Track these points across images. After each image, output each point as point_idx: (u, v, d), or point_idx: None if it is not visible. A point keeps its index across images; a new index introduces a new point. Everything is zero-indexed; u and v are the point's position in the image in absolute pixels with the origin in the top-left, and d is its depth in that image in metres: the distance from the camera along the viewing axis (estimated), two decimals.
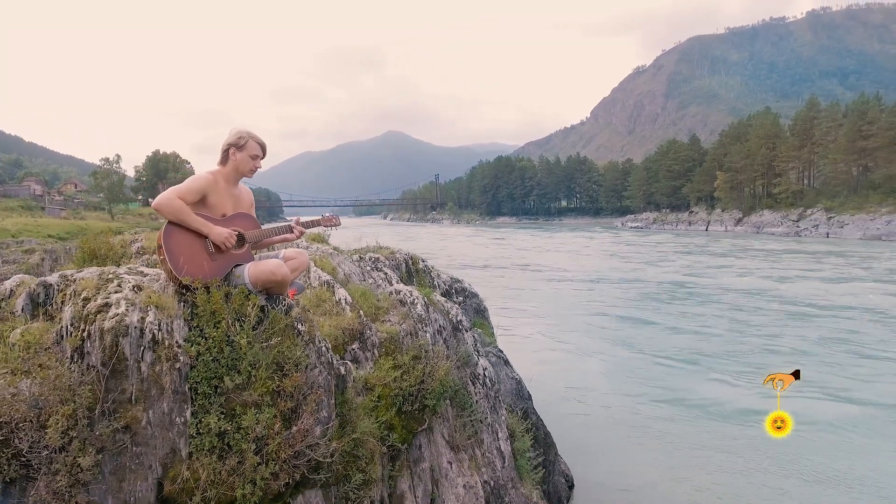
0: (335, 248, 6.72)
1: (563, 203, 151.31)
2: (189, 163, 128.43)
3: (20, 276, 3.26)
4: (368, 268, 6.02)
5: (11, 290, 3.02)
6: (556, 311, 19.10)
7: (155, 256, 5.76)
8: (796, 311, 18.03)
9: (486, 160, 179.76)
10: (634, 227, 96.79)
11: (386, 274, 5.62)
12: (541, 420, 6.24)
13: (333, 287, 4.35)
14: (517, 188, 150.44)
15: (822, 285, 23.63)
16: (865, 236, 57.74)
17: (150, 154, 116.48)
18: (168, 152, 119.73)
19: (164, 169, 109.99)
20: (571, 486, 7.45)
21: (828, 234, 63.12)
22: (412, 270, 6.38)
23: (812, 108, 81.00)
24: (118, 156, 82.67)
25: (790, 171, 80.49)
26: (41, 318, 2.86)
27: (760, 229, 73.82)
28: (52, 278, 3.06)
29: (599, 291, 23.73)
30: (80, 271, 3.16)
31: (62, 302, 2.93)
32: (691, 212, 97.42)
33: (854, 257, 36.47)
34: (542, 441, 5.60)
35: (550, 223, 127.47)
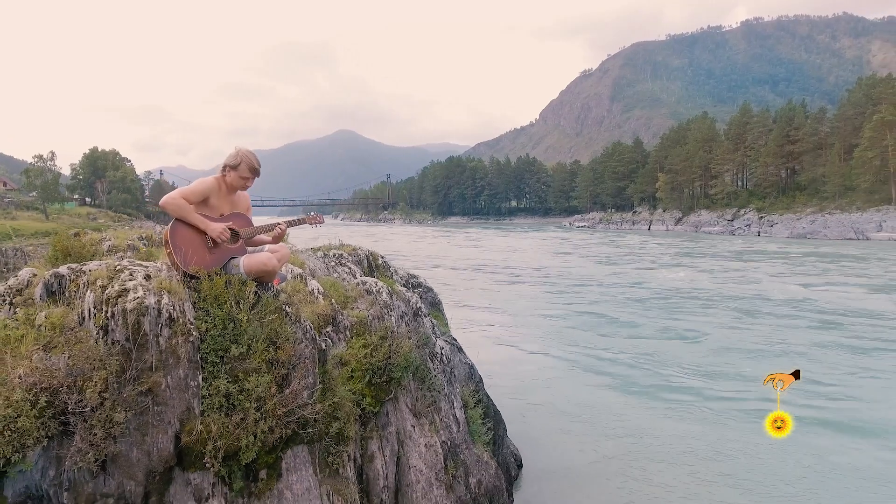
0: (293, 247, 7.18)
1: (514, 203, 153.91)
2: (129, 160, 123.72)
3: (30, 268, 3.64)
4: (333, 263, 6.53)
5: (29, 281, 3.43)
6: (507, 307, 19.96)
7: (121, 254, 6.12)
8: (733, 305, 19.54)
9: (437, 160, 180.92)
10: (581, 227, 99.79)
11: (350, 268, 6.16)
12: (491, 400, 6.91)
13: (306, 279, 4.88)
14: (468, 188, 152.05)
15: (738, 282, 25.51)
16: (792, 234, 61.75)
17: (88, 151, 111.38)
18: (107, 150, 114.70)
19: (102, 167, 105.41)
20: (520, 466, 8.16)
21: (759, 232, 67.09)
22: (373, 266, 6.94)
23: (745, 114, 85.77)
24: (52, 153, 78.81)
25: (725, 173, 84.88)
26: (58, 303, 3.29)
27: (698, 228, 77.63)
28: (63, 270, 3.48)
29: (549, 289, 24.79)
30: (87, 264, 3.59)
31: (75, 290, 3.37)
32: (635, 212, 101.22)
33: (773, 256, 39.17)
34: (493, 417, 6.27)
35: (501, 223, 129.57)
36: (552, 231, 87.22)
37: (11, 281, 3.42)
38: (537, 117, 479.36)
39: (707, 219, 79.70)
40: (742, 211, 76.13)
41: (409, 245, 56.76)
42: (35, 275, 3.51)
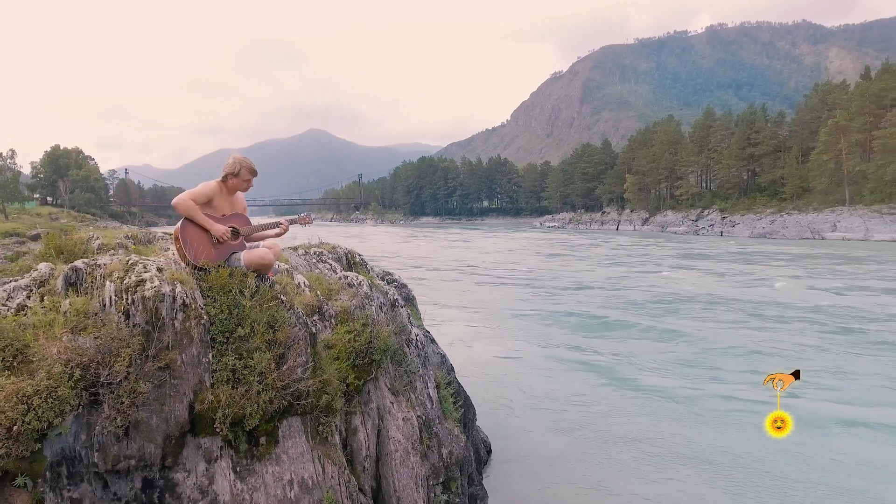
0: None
1: (485, 203, 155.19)
2: (93, 159, 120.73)
3: (47, 263, 4.05)
4: (314, 261, 7.00)
5: (50, 273, 3.84)
6: (478, 305, 20.59)
7: (112, 251, 6.51)
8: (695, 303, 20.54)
9: (409, 160, 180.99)
10: (552, 227, 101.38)
11: (331, 265, 6.63)
12: (461, 387, 7.47)
13: (293, 273, 5.35)
14: (440, 188, 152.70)
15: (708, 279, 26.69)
16: (753, 234, 64.08)
17: (49, 149, 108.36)
18: (70, 148, 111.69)
19: (64, 165, 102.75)
20: (489, 452, 8.72)
21: (721, 232, 69.37)
22: (351, 263, 7.42)
23: (708, 118, 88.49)
24: (13, 150, 76.66)
25: (690, 175, 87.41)
26: (78, 293, 3.72)
27: (665, 228, 79.79)
28: (80, 264, 3.90)
29: (520, 287, 25.53)
30: (100, 258, 4.02)
31: (91, 281, 3.81)
32: (604, 212, 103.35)
33: (736, 254, 40.79)
34: (463, 402, 6.83)
35: (473, 223, 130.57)
36: (524, 231, 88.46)
37: (35, 274, 3.82)
38: (509, 118, 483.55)
39: (673, 219, 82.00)
40: (706, 212, 78.59)
41: (384, 245, 57.04)
42: (53, 269, 3.92)
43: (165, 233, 7.41)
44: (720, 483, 7.32)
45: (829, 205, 62.43)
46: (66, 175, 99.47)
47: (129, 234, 7.37)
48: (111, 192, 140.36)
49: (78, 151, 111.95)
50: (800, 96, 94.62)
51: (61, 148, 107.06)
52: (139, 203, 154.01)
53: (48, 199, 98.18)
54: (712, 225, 73.24)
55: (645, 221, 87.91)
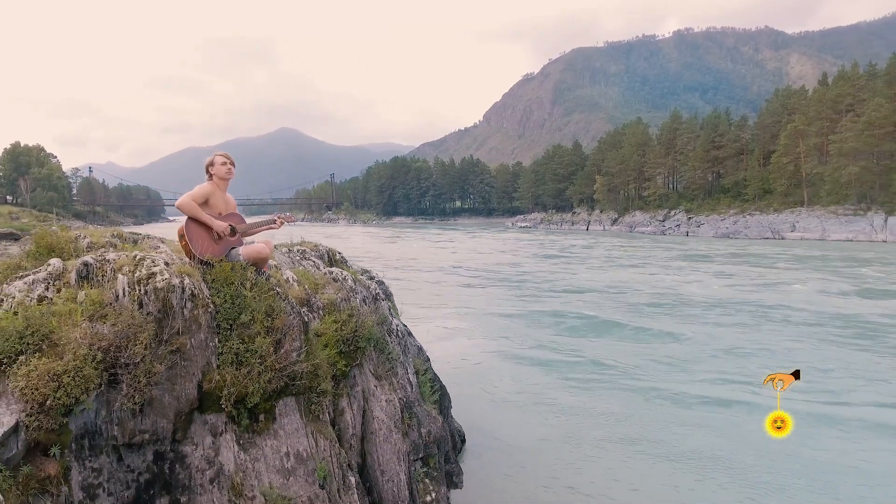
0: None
1: (458, 203, 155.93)
2: (55, 157, 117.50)
3: (58, 259, 4.38)
4: (298, 258, 7.40)
5: (64, 268, 4.18)
6: (453, 303, 21.10)
7: (103, 249, 6.82)
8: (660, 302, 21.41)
9: (382, 160, 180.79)
10: (524, 227, 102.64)
11: (314, 262, 7.04)
12: (437, 376, 7.94)
13: (281, 269, 5.76)
14: (413, 189, 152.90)
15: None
16: (717, 234, 66.13)
17: (9, 147, 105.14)
18: (31, 145, 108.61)
19: (25, 163, 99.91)
20: (463, 441, 9.20)
21: (687, 232, 71.36)
22: (333, 261, 7.83)
23: (675, 121, 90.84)
24: None
25: (658, 176, 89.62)
26: (90, 286, 4.08)
27: (633, 228, 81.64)
28: (89, 259, 4.26)
29: (495, 285, 26.14)
30: (108, 254, 4.38)
31: (101, 275, 4.17)
32: (574, 212, 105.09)
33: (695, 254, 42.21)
34: (439, 389, 7.31)
35: (446, 223, 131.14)
36: (496, 231, 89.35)
37: (50, 269, 4.15)
38: (481, 119, 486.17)
39: (641, 219, 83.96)
40: (672, 212, 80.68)
41: (367, 245, 57.14)
42: (65, 264, 4.26)
43: (147, 234, 7.67)
44: (686, 475, 7.80)
45: (788, 206, 64.87)
46: (27, 173, 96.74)
47: (116, 234, 7.67)
48: (74, 190, 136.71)
49: (40, 149, 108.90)
50: (762, 100, 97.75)
51: (21, 145, 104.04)
52: (104, 202, 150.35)
53: (8, 198, 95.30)
54: (679, 225, 75.28)
55: (614, 222, 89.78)
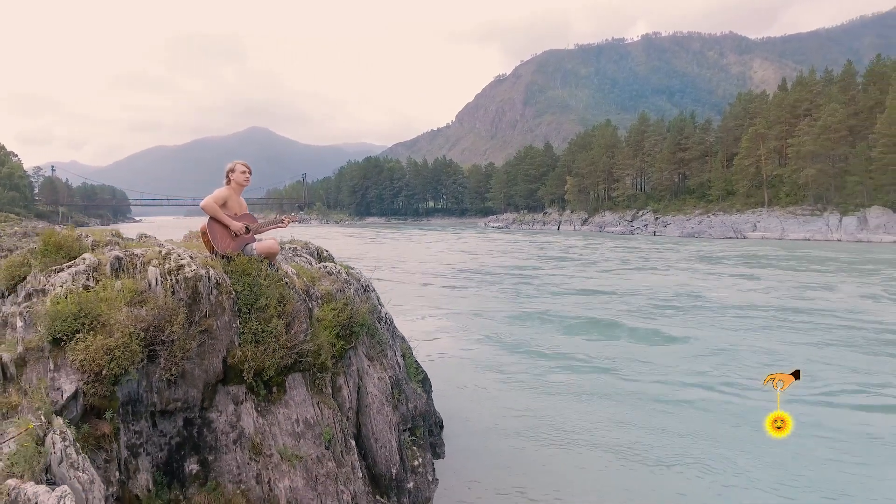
0: None
1: (431, 204, 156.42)
2: (17, 155, 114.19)
3: (90, 254, 4.97)
4: (290, 255, 8.03)
5: (98, 261, 4.78)
6: (431, 301, 21.81)
7: (108, 247, 7.35)
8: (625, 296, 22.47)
9: (354, 160, 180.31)
10: (496, 227, 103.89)
11: (307, 258, 7.69)
12: (419, 363, 8.66)
13: (281, 264, 6.41)
14: (386, 189, 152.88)
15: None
16: (682, 234, 68.28)
17: None
18: None
19: None
20: (441, 427, 9.90)
21: (655, 232, 73.44)
22: (322, 257, 8.48)
23: (643, 123, 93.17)
24: None
25: (626, 177, 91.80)
26: (123, 276, 4.69)
27: (603, 228, 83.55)
28: (120, 253, 4.86)
29: (468, 283, 26.93)
30: (136, 248, 4.99)
31: (132, 267, 4.78)
32: (546, 213, 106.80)
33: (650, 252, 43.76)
34: (422, 373, 8.03)
35: (419, 223, 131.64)
36: (468, 231, 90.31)
37: (87, 262, 4.74)
38: (454, 119, 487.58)
39: (610, 220, 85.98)
40: (640, 212, 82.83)
41: (343, 246, 57.29)
42: (97, 258, 4.86)
43: (144, 234, 8.14)
44: (659, 473, 8.43)
45: (750, 206, 67.37)
46: None
47: (114, 232, 8.20)
48: (36, 190, 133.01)
49: (0, 147, 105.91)
50: (727, 104, 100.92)
51: None
52: (67, 202, 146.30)
53: None
54: (646, 225, 77.40)
55: (584, 222, 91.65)
